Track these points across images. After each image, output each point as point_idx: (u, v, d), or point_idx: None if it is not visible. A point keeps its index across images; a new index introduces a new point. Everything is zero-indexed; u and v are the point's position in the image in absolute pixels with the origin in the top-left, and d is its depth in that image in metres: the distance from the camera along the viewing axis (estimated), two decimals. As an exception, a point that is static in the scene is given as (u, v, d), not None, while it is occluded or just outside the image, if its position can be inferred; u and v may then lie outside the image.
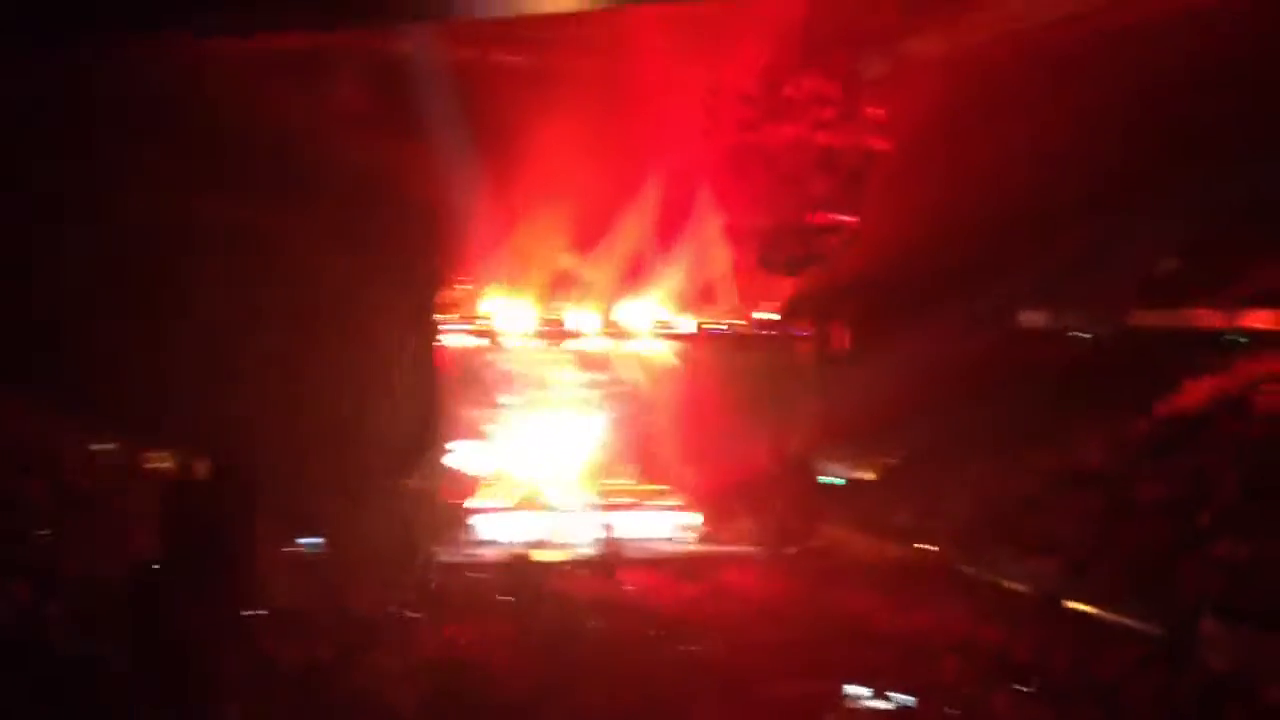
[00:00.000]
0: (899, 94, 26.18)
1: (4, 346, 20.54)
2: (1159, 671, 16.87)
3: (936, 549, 24.52)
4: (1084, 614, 19.73)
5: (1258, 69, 22.08)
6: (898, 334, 28.36)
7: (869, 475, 29.55)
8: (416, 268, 27.39)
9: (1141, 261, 27.40)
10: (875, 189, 26.93)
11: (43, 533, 14.15)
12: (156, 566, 15.48)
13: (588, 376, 31.73)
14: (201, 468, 23.82)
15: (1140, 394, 24.88)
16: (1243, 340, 24.84)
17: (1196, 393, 24.05)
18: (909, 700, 16.10)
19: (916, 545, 24.84)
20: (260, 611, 15.57)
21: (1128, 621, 18.93)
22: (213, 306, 23.89)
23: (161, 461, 23.33)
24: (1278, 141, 22.70)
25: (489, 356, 31.02)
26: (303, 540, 22.80)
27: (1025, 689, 16.47)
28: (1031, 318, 29.53)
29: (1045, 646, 18.03)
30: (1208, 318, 25.85)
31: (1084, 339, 28.76)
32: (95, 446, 20.79)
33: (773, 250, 28.60)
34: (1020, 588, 21.48)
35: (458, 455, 30.03)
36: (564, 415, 31.61)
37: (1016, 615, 20.01)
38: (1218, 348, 24.93)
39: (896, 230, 25.53)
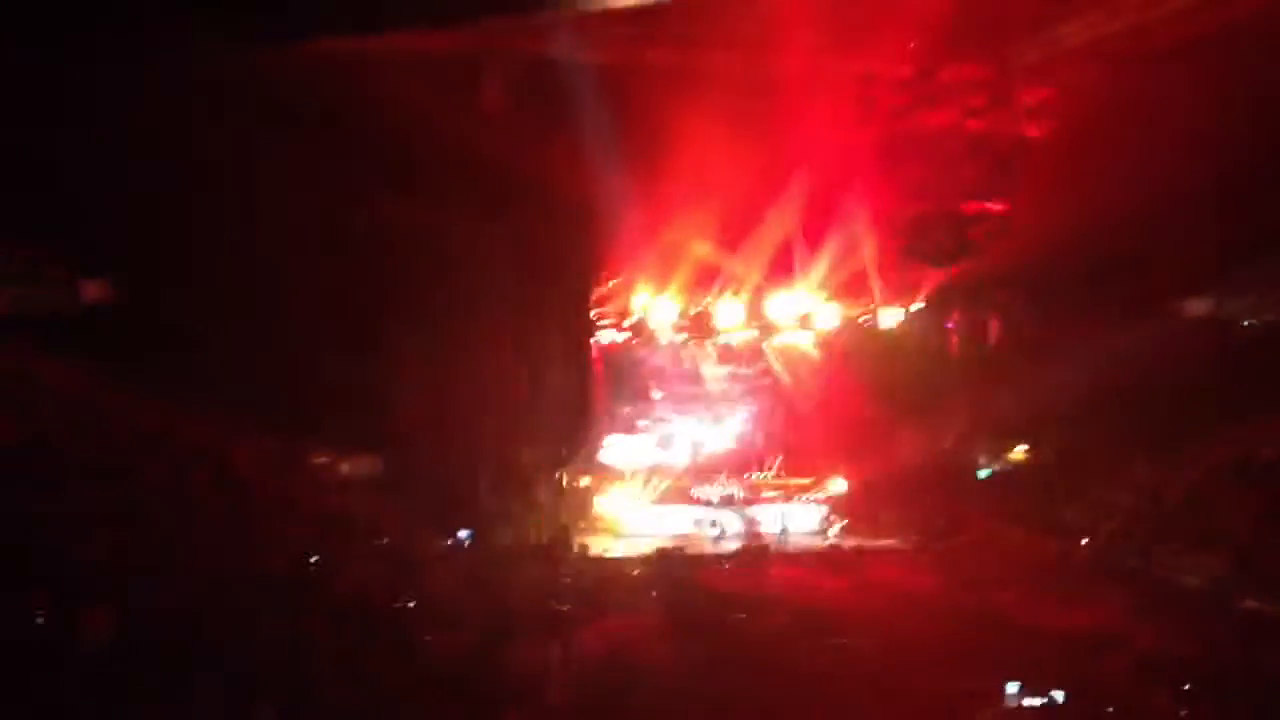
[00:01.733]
0: (1052, 80, 25.53)
1: (174, 346, 21.43)
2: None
3: (1097, 543, 23.93)
4: (1251, 610, 19.07)
5: None
6: (1052, 325, 27.71)
7: (1025, 468, 28.88)
8: (570, 265, 27.75)
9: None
10: (1028, 177, 26.30)
11: (208, 527, 14.72)
12: (315, 559, 16.04)
13: (736, 370, 31.77)
14: (362, 465, 24.75)
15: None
16: None
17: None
18: (1066, 698, 15.75)
19: (1076, 540, 24.28)
20: (413, 603, 15.93)
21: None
22: (372, 308, 24.55)
23: (323, 459, 24.16)
24: None
25: (639, 352, 31.29)
26: (458, 533, 23.29)
27: (1187, 687, 15.95)
28: (1195, 306, 28.49)
29: (1210, 643, 17.45)
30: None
31: (1250, 326, 27.67)
32: (259, 444, 21.55)
33: (922, 240, 28.18)
34: (1185, 583, 20.84)
35: (609, 450, 30.37)
36: (713, 409, 31.72)
37: (1180, 611, 19.45)
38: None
39: (1050, 219, 24.88)
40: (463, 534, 23.39)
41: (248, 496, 17.41)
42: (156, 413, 19.04)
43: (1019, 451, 29.19)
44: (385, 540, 19.66)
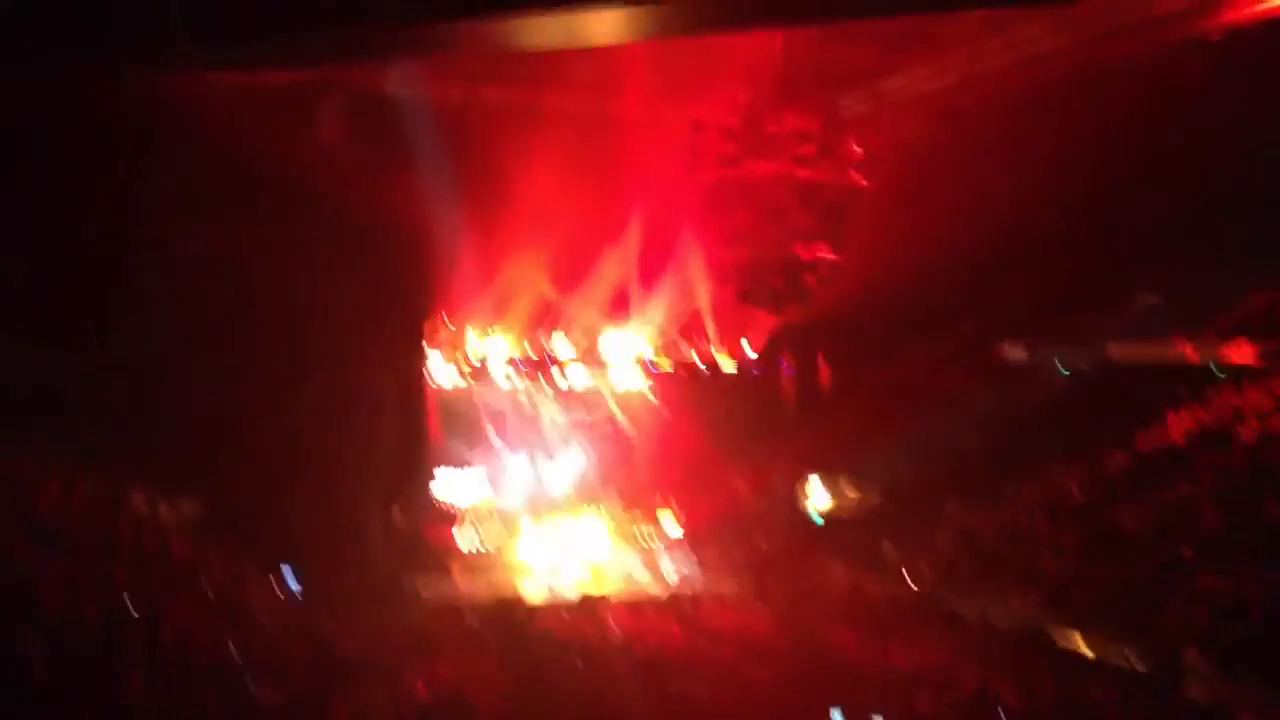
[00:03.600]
0: (878, 131, 26.37)
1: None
2: (1141, 705, 16.92)
3: (919, 584, 24.54)
4: (1066, 648, 19.80)
5: (1223, 104, 22.43)
6: (879, 369, 28.54)
7: (854, 509, 29.54)
8: (405, 303, 27.45)
9: (1121, 296, 27.66)
10: (856, 225, 27.02)
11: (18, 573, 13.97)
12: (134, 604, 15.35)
13: (571, 411, 31.79)
14: (186, 507, 23.86)
15: (1121, 427, 25.05)
16: (1222, 374, 25.03)
17: (1178, 425, 24.25)
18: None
19: (899, 581, 24.85)
20: (238, 650, 15.37)
21: (1110, 655, 19.03)
22: (200, 343, 23.85)
23: (143, 500, 23.22)
24: (1251, 176, 23.02)
25: (474, 391, 31.04)
26: (286, 577, 22.63)
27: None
28: (1012, 352, 29.76)
29: (1027, 680, 18.06)
30: (1188, 351, 26.07)
31: (1064, 373, 28.98)
32: (75, 484, 20.66)
33: (755, 285, 28.63)
34: (1002, 623, 21.52)
35: (443, 489, 29.99)
36: (549, 448, 31.64)
37: (998, 649, 20.09)
38: (1198, 381, 25.13)
39: (877, 266, 25.68)
40: (290, 578, 22.69)
41: (59, 537, 16.54)
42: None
43: (848, 492, 29.82)
44: (207, 583, 18.90)
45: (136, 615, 14.90)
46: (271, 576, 22.44)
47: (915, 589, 24.41)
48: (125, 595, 15.32)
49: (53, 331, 22.22)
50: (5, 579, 13.40)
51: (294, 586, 22.62)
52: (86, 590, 14.72)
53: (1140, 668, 18.35)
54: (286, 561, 22.81)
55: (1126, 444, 24.52)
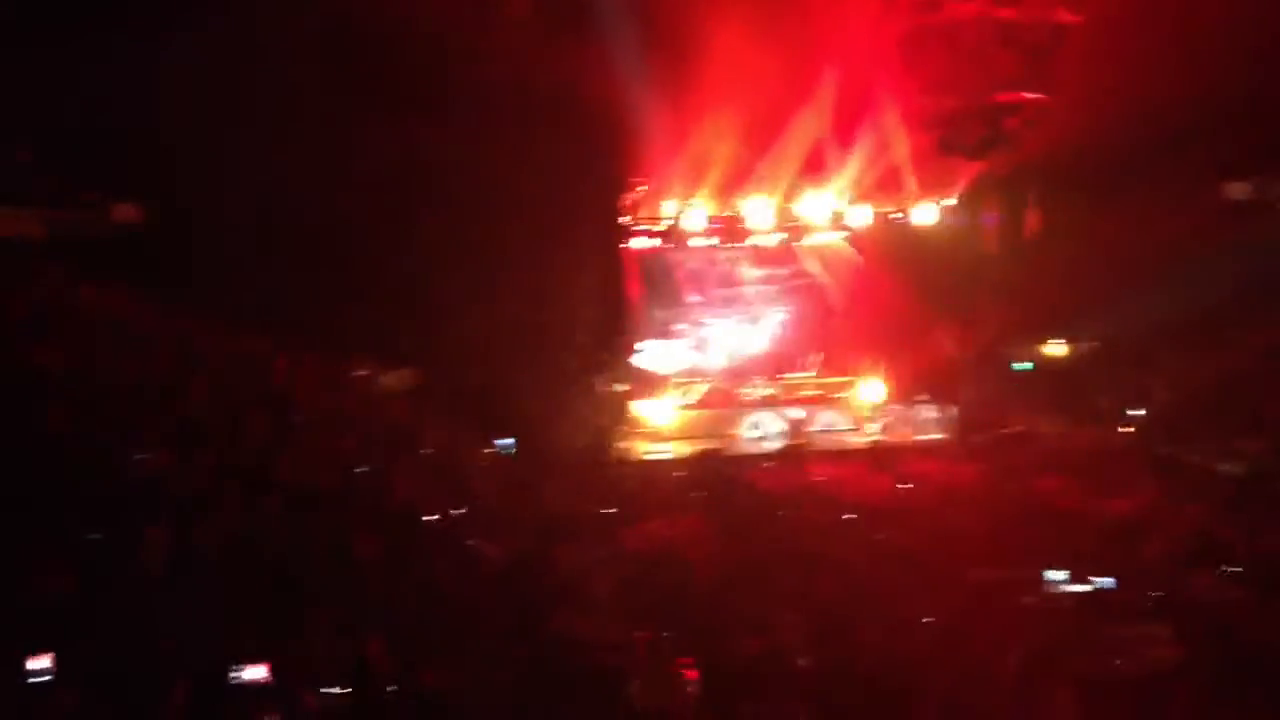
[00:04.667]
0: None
1: (211, 266, 21.63)
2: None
3: (1136, 432, 23.94)
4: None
5: None
6: (1091, 216, 27.43)
7: (1063, 360, 28.83)
8: (600, 172, 27.63)
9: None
10: (1063, 65, 25.84)
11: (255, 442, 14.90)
12: (364, 470, 16.23)
13: (770, 271, 31.73)
14: (402, 377, 24.98)
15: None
16: None
17: None
18: (1110, 583, 15.86)
19: (1116, 429, 24.29)
20: (462, 510, 16.14)
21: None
22: (406, 221, 24.60)
23: (363, 372, 24.41)
24: None
25: (672, 257, 31.26)
26: (499, 441, 23.53)
27: (1230, 570, 16.03)
28: (1234, 190, 28.11)
29: (1251, 528, 17.50)
30: None
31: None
32: (300, 358, 21.84)
33: (956, 134, 27.84)
34: (1226, 469, 20.83)
35: (646, 355, 30.50)
36: (748, 311, 31.75)
37: (1222, 497, 19.47)
38: None
39: (1086, 107, 24.49)
40: (504, 442, 23.61)
41: (291, 411, 17.55)
42: (197, 332, 19.22)
43: (1057, 343, 29.09)
44: (429, 451, 19.84)
45: (366, 482, 15.81)
46: (487, 442, 23.42)
47: (1131, 437, 23.84)
48: (353, 463, 16.27)
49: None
50: (244, 450, 14.27)
51: (508, 451, 23.55)
52: (319, 459, 15.63)
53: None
54: (499, 427, 23.74)
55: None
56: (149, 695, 8.63)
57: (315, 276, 23.16)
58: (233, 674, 9.12)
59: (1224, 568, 16.04)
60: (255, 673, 9.14)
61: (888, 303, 29.66)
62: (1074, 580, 16.00)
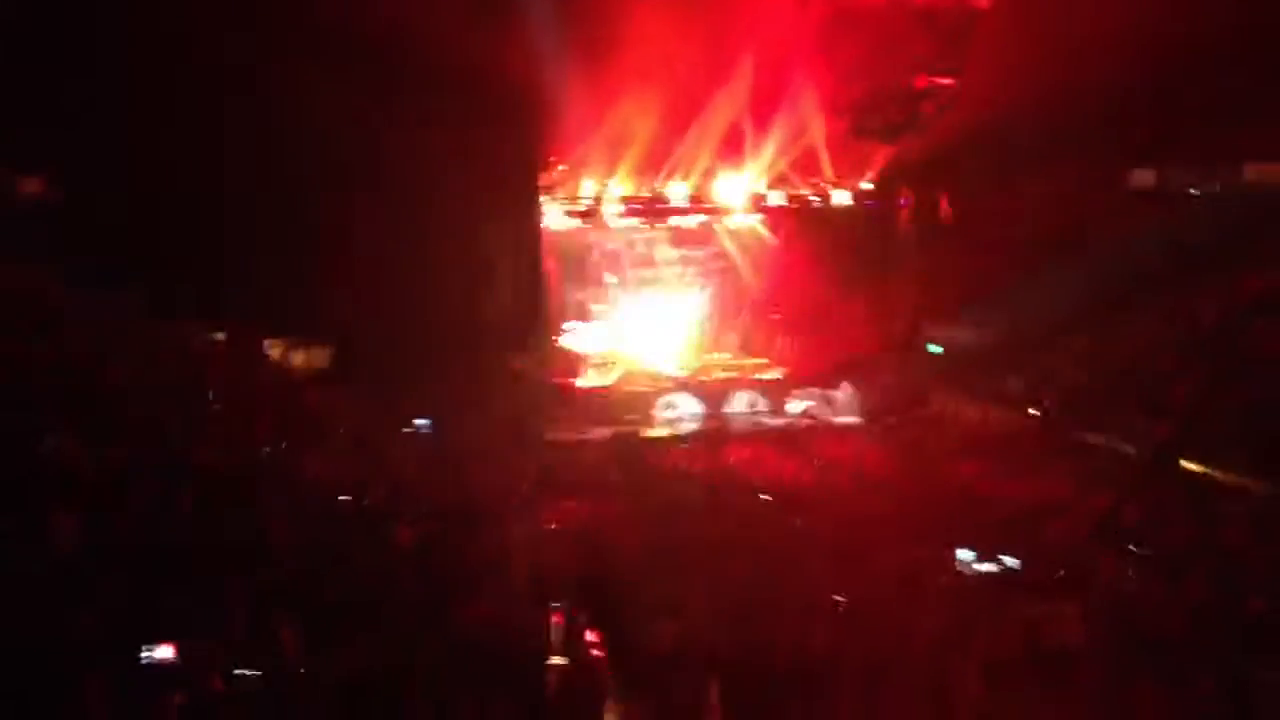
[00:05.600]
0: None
1: (130, 241, 21.22)
2: (1272, 531, 16.71)
3: (1043, 414, 24.34)
4: (1195, 475, 19.53)
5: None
6: (1000, 199, 27.83)
7: (974, 342, 29.23)
8: (517, 150, 27.46)
9: (1257, 116, 26.36)
10: (976, 50, 26.13)
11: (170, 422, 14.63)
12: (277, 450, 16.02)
13: (687, 253, 31.77)
14: (317, 356, 24.69)
15: (1255, 252, 24.22)
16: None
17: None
18: (1017, 563, 16.18)
19: (1023, 414, 24.67)
20: (378, 491, 16.00)
21: (1241, 481, 18.74)
22: (321, 201, 24.28)
23: (277, 350, 24.09)
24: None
25: (590, 237, 31.17)
26: (418, 421, 23.37)
27: (1135, 550, 16.42)
28: (1140, 177, 28.62)
29: (1156, 509, 17.92)
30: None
31: (1195, 196, 27.89)
32: (215, 336, 21.47)
33: (870, 117, 28.07)
34: (1130, 450, 21.28)
35: (564, 335, 30.43)
36: (665, 292, 31.80)
37: (1126, 479, 19.89)
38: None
39: (998, 92, 24.81)
40: (421, 422, 23.45)
41: (205, 391, 17.27)
42: (115, 309, 18.82)
43: (968, 326, 29.49)
44: (345, 431, 19.64)
45: (279, 464, 15.60)
46: (403, 423, 23.24)
47: (1040, 421, 24.23)
48: (267, 444, 16.05)
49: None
50: (155, 431, 14.00)
51: (425, 432, 23.39)
52: (232, 439, 15.38)
53: (1271, 494, 18.05)
54: (416, 408, 23.57)
55: (1261, 269, 23.73)
56: (59, 680, 8.46)
57: (232, 252, 22.82)
58: (141, 656, 8.96)
59: (1129, 548, 16.43)
60: (163, 654, 8.98)
61: (804, 285, 29.88)
62: (984, 560, 16.31)
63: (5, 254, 18.79)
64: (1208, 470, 19.35)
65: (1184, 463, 19.85)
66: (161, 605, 9.83)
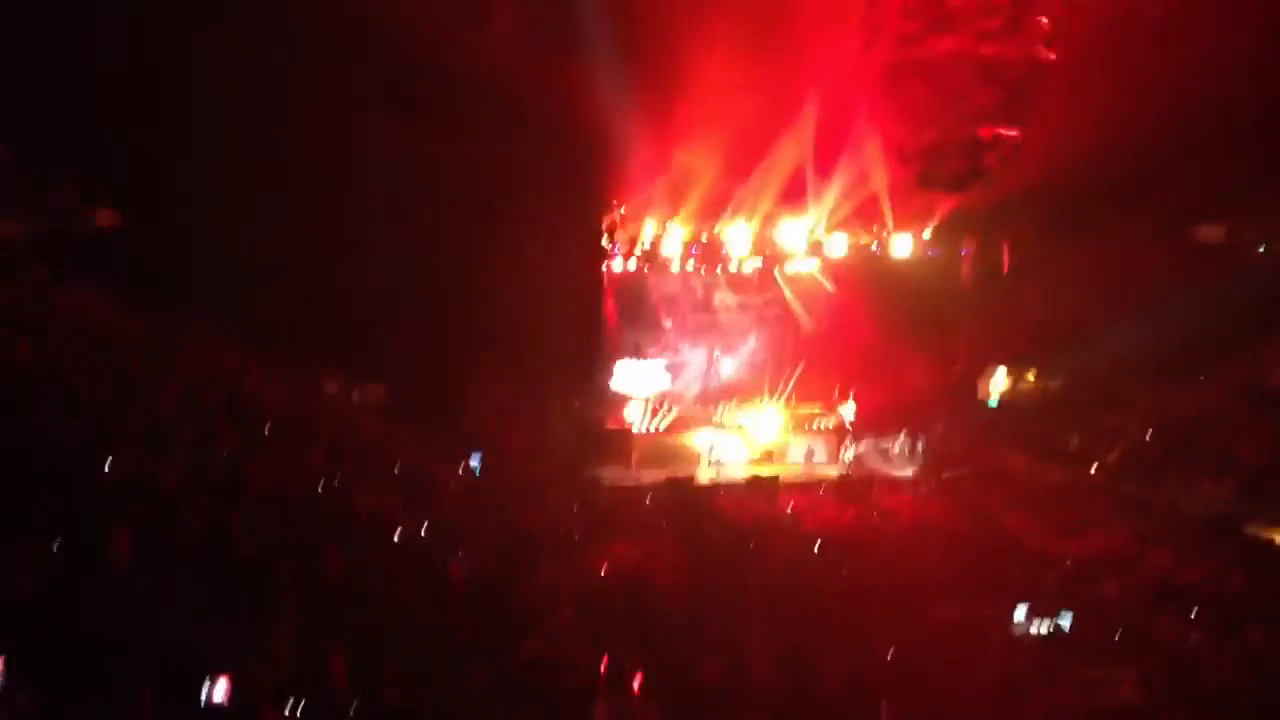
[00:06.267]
0: (1066, 2, 25.22)
1: (186, 272, 21.52)
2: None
3: (1103, 471, 24.00)
4: (1259, 538, 19.16)
5: None
6: (1064, 251, 27.57)
7: (1033, 395, 28.92)
8: (579, 192, 27.62)
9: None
10: (1042, 101, 26.02)
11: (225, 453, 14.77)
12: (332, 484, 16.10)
13: (746, 298, 31.69)
14: (373, 392, 24.85)
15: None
16: None
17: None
18: (1073, 621, 15.93)
19: (1083, 468, 24.35)
20: (430, 528, 16.02)
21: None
22: (382, 239, 24.53)
23: (334, 386, 24.26)
24: None
25: (650, 280, 31.19)
26: (470, 460, 23.42)
27: (1192, 612, 16.11)
28: (1207, 231, 28.28)
29: (1216, 570, 17.58)
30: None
31: (1262, 252, 27.50)
32: (271, 370, 21.71)
33: (934, 167, 28.00)
34: (1192, 509, 20.90)
35: (620, 378, 30.43)
36: (723, 337, 31.73)
37: (1187, 539, 19.53)
38: None
39: (1064, 144, 24.67)
40: (474, 461, 23.50)
41: (260, 422, 17.42)
42: (169, 338, 19.08)
43: (1028, 378, 29.20)
44: (398, 467, 19.71)
45: (333, 495, 15.68)
46: (456, 459, 23.30)
47: (1099, 476, 23.90)
48: (322, 475, 16.13)
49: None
50: (212, 462, 14.14)
51: (478, 469, 23.43)
52: (287, 470, 15.50)
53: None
54: (469, 445, 23.62)
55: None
56: (111, 702, 8.51)
57: (294, 288, 23.07)
58: (194, 687, 9.00)
59: (1189, 610, 16.13)
60: (217, 687, 9.01)
61: (861, 333, 29.69)
62: (1039, 617, 16.07)
63: (77, 279, 19.22)
64: (1269, 531, 18.99)
65: (1245, 523, 19.50)
66: (214, 633, 9.89)
